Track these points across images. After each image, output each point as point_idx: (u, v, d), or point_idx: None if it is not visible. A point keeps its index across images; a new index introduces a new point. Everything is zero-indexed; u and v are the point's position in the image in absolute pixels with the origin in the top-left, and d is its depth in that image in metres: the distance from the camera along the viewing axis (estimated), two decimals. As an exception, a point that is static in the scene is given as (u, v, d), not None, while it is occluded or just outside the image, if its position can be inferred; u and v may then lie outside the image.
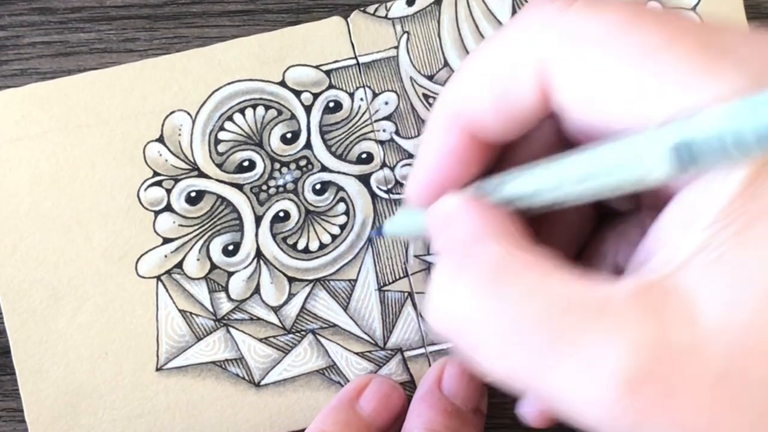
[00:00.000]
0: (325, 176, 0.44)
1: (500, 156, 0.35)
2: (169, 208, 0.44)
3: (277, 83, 0.45)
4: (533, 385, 0.28)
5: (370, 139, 0.45)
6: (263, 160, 0.44)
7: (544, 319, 0.27)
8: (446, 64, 0.45)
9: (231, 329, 0.44)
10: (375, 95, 0.45)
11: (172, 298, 0.44)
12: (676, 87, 0.27)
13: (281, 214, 0.44)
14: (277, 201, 0.44)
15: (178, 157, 0.44)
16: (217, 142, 0.44)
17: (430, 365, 0.44)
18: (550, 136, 0.34)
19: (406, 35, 0.45)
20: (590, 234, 0.37)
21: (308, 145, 0.44)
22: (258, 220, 0.44)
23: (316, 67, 0.45)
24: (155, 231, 0.44)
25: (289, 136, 0.44)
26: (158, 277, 0.44)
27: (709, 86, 0.26)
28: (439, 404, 0.41)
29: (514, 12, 0.45)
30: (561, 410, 0.28)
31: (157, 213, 0.44)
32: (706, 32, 0.28)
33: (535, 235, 0.33)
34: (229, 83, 0.44)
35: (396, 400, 0.43)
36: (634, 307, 0.26)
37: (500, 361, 0.28)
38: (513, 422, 0.44)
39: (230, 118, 0.44)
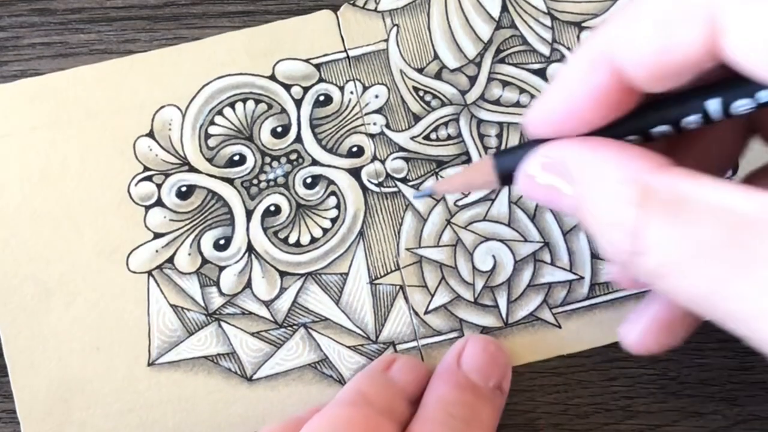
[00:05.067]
0: (316, 170, 0.44)
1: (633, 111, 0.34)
2: (159, 202, 0.44)
3: (267, 77, 0.45)
4: (713, 303, 0.29)
5: (360, 133, 0.45)
6: (254, 155, 0.44)
7: (728, 236, 0.28)
8: (436, 56, 0.45)
9: (223, 324, 0.44)
10: (365, 88, 0.45)
11: (163, 293, 0.44)
12: None
13: (272, 208, 0.44)
14: (268, 195, 0.44)
15: (168, 152, 0.44)
16: (208, 136, 0.44)
17: (422, 358, 0.44)
18: None
19: (395, 28, 0.45)
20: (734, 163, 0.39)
21: (298, 138, 0.44)
22: (249, 214, 0.44)
23: (306, 60, 0.45)
24: (146, 226, 0.44)
25: (279, 130, 0.44)
26: (149, 272, 0.44)
27: None
28: (453, 379, 0.42)
29: (504, 5, 0.45)
30: (742, 330, 0.29)
31: (147, 208, 0.44)
32: None
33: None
34: (219, 77, 0.44)
35: (423, 373, 0.43)
36: None
37: (684, 281, 0.29)
38: (520, 424, 0.44)
39: (220, 113, 0.44)
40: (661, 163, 0.31)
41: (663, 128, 0.33)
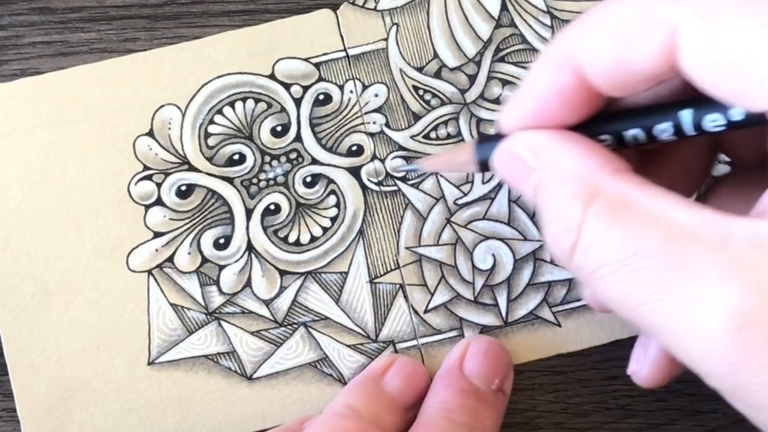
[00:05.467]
0: (316, 169, 0.44)
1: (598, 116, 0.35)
2: (159, 202, 0.44)
3: (266, 76, 0.45)
4: (643, 312, 0.29)
5: (360, 132, 0.45)
6: (253, 154, 0.44)
7: (665, 247, 0.29)
8: (436, 55, 0.45)
9: (223, 323, 0.44)
10: (365, 87, 0.45)
11: (163, 292, 0.44)
12: None
13: (272, 207, 0.44)
14: (268, 194, 0.44)
15: (168, 151, 0.44)
16: (207, 135, 0.44)
17: (422, 357, 0.44)
18: None
19: (395, 27, 0.45)
20: (705, 181, 0.39)
21: (298, 137, 0.45)
22: (249, 213, 0.44)
23: (306, 59, 0.45)
24: (146, 225, 0.44)
25: (279, 129, 0.45)
26: (149, 271, 0.44)
27: None
28: (456, 384, 0.41)
29: (503, 4, 0.45)
30: (666, 340, 0.30)
31: (147, 207, 0.44)
32: None
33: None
34: (218, 76, 0.45)
35: (420, 378, 0.43)
36: (753, 248, 0.28)
37: (618, 287, 0.30)
38: (519, 423, 0.44)
39: (220, 112, 0.44)
40: (618, 168, 0.32)
41: (636, 133, 0.34)
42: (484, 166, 0.37)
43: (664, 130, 0.34)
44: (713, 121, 0.32)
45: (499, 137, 0.36)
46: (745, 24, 0.29)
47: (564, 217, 0.31)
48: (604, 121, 0.35)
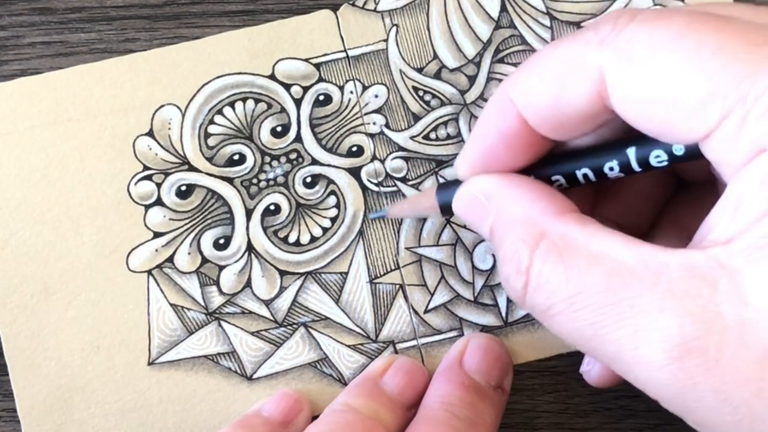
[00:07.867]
0: (316, 169, 0.44)
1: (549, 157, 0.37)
2: (159, 202, 0.44)
3: (266, 77, 0.45)
4: (595, 345, 0.31)
5: (360, 132, 0.45)
6: (253, 154, 0.44)
7: (607, 284, 0.30)
8: (435, 56, 0.45)
9: (223, 323, 0.44)
10: (365, 88, 0.45)
11: (163, 292, 0.44)
12: (720, 87, 0.29)
13: (272, 207, 0.44)
14: (268, 194, 0.44)
15: (168, 151, 0.44)
16: (207, 135, 0.44)
17: (422, 357, 0.44)
18: None
19: (395, 28, 0.45)
20: (667, 200, 0.41)
21: (298, 138, 0.45)
22: (249, 213, 0.44)
23: (306, 60, 0.45)
24: (146, 225, 0.44)
25: (279, 129, 0.45)
26: (149, 272, 0.44)
27: (747, 86, 0.29)
28: (456, 378, 0.42)
29: (503, 5, 0.45)
30: (618, 370, 0.31)
31: (147, 207, 0.44)
32: (760, 32, 0.30)
33: (603, 204, 0.39)
34: (218, 77, 0.45)
35: (419, 377, 0.43)
36: (687, 278, 0.29)
37: (568, 324, 0.32)
38: (519, 423, 0.44)
39: (220, 112, 0.44)
40: (563, 209, 0.34)
41: (586, 172, 0.36)
42: (446, 210, 0.39)
43: (612, 168, 0.35)
44: (657, 157, 0.34)
45: (458, 183, 0.38)
46: (664, 62, 0.30)
47: (513, 259, 0.33)
48: (555, 162, 0.37)
